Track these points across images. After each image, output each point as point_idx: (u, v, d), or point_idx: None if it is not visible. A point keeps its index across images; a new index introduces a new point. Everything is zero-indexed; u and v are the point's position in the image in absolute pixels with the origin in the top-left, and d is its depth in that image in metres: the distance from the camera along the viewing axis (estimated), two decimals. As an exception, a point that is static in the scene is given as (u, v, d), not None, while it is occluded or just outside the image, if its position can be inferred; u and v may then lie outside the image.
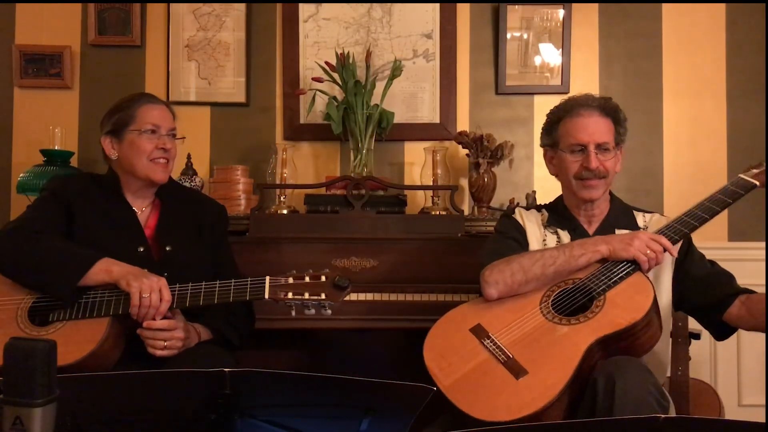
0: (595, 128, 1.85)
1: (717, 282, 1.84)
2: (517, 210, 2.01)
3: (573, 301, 1.70)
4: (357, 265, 2.36)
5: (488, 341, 1.66)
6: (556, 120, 1.92)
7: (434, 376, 1.64)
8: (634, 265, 1.72)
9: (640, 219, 1.95)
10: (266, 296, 1.63)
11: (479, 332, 1.69)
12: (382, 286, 2.31)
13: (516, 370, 1.58)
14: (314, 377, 1.04)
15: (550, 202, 2.04)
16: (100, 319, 1.65)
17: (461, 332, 1.72)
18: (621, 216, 1.94)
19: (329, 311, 1.63)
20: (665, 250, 1.72)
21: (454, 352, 1.67)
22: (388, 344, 2.59)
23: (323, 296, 1.61)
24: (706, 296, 1.83)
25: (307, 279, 1.65)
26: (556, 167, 1.95)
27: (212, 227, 2.01)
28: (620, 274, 1.71)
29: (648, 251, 1.71)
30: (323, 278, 1.65)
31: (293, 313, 1.63)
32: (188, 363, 1.68)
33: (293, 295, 1.62)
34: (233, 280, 1.68)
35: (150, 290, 1.61)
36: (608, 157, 1.86)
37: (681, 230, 1.76)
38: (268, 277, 1.65)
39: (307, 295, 1.61)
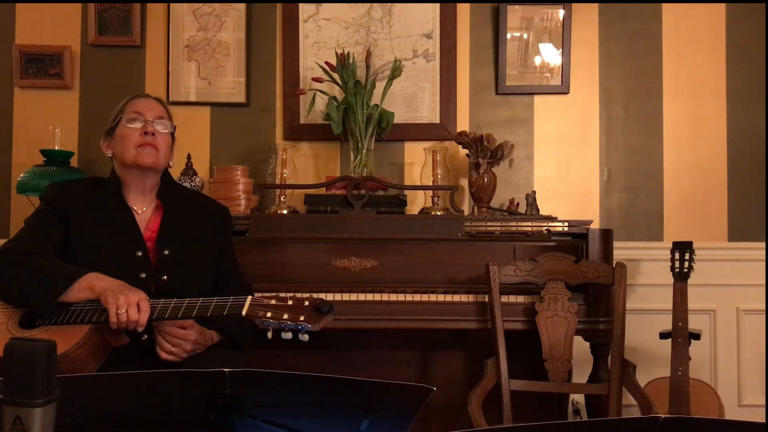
0: None
1: None
2: None
3: None
4: (357, 265, 2.36)
5: None
6: None
7: None
8: None
9: None
10: (243, 313, 1.62)
11: None
12: (382, 286, 2.31)
13: None
14: (314, 377, 1.04)
15: None
16: (82, 325, 1.68)
17: None
18: None
19: (306, 337, 1.59)
20: None
21: None
22: (388, 344, 2.58)
23: (302, 318, 1.58)
24: None
25: (289, 302, 1.63)
26: None
27: (216, 230, 2.01)
28: None
29: None
30: (306, 302, 1.63)
31: (269, 335, 1.60)
32: (188, 363, 1.72)
33: (272, 315, 1.60)
34: (215, 298, 1.68)
35: (126, 306, 1.64)
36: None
37: None
38: (249, 297, 1.65)
39: (285, 317, 1.58)
